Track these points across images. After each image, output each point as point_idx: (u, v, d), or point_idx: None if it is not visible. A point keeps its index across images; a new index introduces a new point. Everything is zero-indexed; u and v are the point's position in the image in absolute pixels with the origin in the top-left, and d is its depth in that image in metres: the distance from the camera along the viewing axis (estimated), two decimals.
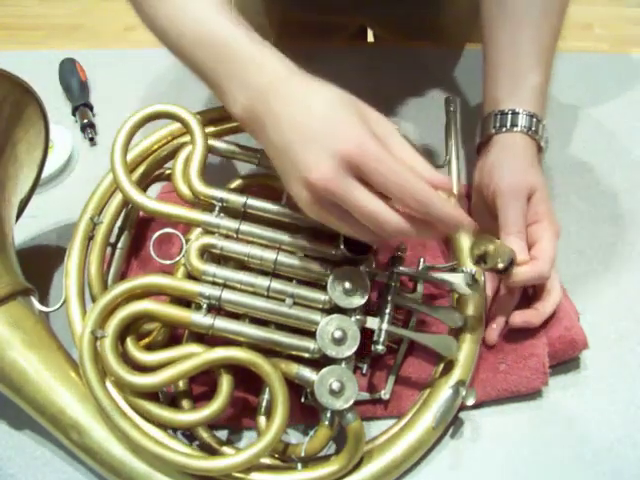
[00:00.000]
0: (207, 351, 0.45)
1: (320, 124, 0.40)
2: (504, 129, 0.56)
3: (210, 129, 0.55)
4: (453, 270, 0.51)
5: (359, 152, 0.39)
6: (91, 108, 0.74)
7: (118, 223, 0.55)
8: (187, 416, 0.45)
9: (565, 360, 0.52)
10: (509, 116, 0.56)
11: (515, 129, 0.55)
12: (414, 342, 0.52)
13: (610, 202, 0.63)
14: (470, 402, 0.47)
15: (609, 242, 0.60)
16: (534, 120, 0.55)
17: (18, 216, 0.58)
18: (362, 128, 0.40)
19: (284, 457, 0.47)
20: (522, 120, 0.55)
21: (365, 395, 0.50)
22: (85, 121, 0.72)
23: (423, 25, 0.83)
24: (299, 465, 0.46)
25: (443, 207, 0.40)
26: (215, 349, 0.45)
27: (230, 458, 0.44)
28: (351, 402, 0.44)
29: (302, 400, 0.48)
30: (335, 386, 0.44)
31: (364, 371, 0.50)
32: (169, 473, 0.45)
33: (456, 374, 0.49)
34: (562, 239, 0.52)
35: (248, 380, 0.48)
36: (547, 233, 0.51)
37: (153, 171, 0.56)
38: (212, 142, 0.53)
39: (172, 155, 0.55)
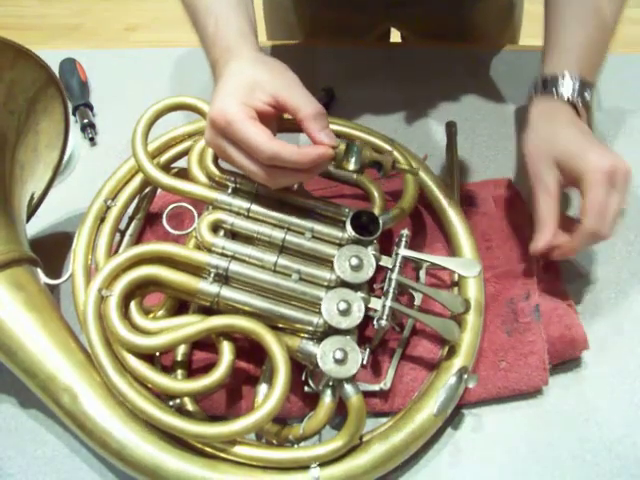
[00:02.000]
0: (209, 318, 0.45)
1: (215, 92, 0.47)
2: (536, 93, 0.58)
3: None
4: None
5: (220, 119, 0.45)
6: (91, 108, 0.75)
7: (129, 212, 0.56)
8: (187, 384, 0.45)
9: (565, 359, 0.52)
10: (542, 81, 0.57)
11: (534, 91, 0.57)
12: (414, 338, 0.52)
13: None
14: (472, 385, 0.47)
15: (609, 242, 0.60)
16: (560, 80, 0.55)
17: (29, 217, 0.59)
18: (233, 99, 0.45)
19: (281, 440, 0.46)
20: (550, 82, 0.56)
21: (365, 386, 0.49)
22: (85, 121, 0.72)
23: (452, 27, 0.83)
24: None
25: (288, 156, 0.44)
26: (217, 316, 0.45)
27: (230, 424, 0.43)
28: (354, 371, 0.44)
29: (302, 378, 0.48)
30: (339, 355, 0.44)
31: (364, 362, 0.50)
32: (157, 444, 0.44)
33: (459, 360, 0.49)
34: None
35: (247, 369, 0.48)
36: (588, 188, 0.49)
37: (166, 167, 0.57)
38: None
39: (180, 156, 0.56)
